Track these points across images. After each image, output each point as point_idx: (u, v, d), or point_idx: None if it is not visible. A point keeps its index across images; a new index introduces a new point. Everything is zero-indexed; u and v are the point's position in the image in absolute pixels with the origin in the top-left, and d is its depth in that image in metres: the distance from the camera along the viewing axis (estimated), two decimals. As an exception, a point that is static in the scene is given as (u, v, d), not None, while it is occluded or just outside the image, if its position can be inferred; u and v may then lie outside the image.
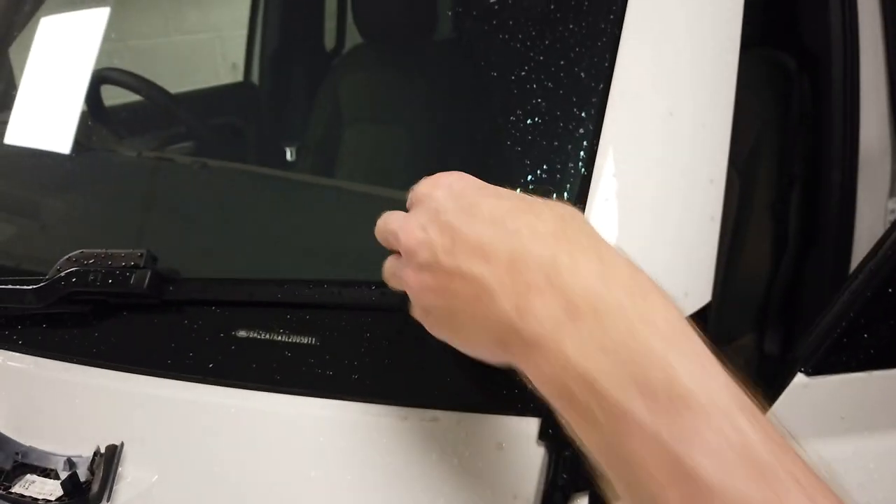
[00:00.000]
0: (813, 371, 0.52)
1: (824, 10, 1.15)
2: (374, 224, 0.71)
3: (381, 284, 0.53)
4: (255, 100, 1.58)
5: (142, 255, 0.56)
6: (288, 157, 1.19)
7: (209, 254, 0.75)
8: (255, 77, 1.59)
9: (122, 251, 0.57)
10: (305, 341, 0.54)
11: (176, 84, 1.37)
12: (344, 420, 0.51)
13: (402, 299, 0.53)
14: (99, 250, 0.57)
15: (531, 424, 0.48)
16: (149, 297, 0.56)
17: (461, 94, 0.93)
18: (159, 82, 1.19)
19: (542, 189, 0.55)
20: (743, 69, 1.41)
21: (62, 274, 0.56)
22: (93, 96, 1.10)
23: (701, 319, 0.53)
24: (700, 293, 0.53)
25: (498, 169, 0.67)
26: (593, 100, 0.57)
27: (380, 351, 0.52)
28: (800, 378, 0.52)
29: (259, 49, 1.60)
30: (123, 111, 1.24)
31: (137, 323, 0.57)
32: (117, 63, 1.20)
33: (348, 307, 0.54)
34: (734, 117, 1.27)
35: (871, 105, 1.21)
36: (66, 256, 0.57)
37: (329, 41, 1.57)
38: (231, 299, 0.56)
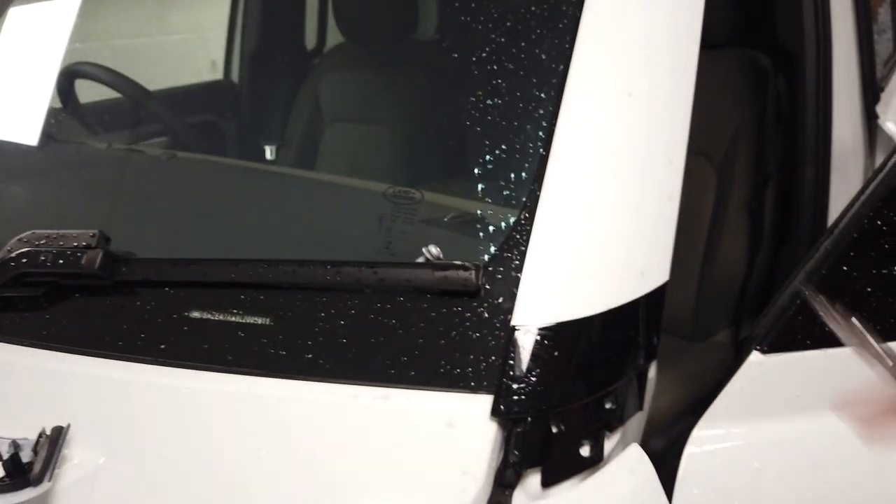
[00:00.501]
0: (767, 349, 0.51)
1: (798, 10, 1.15)
2: (348, 214, 0.71)
3: (336, 264, 0.53)
4: (235, 98, 1.57)
5: (94, 235, 0.55)
6: (268, 154, 1.19)
7: (176, 240, 0.74)
8: (234, 75, 1.59)
9: (75, 231, 0.56)
10: (259, 321, 0.53)
11: (158, 83, 1.37)
12: (296, 399, 0.50)
13: (357, 279, 0.53)
14: (51, 231, 0.57)
15: (483, 402, 0.47)
16: (100, 277, 0.55)
17: (435, 86, 0.93)
18: (141, 81, 1.18)
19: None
20: (720, 69, 1.42)
21: (13, 254, 0.55)
22: (66, 90, 1.09)
23: (657, 299, 0.52)
24: (657, 272, 0.53)
25: (460, 149, 0.67)
26: (553, 80, 0.57)
27: (333, 330, 0.52)
28: (755, 356, 0.52)
29: (239, 47, 1.60)
30: (100, 108, 1.24)
31: (89, 304, 0.56)
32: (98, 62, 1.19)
33: (302, 287, 0.53)
34: (709, 112, 1.27)
35: (844, 103, 1.22)
36: (17, 237, 0.56)
37: (310, 40, 1.56)
38: (184, 280, 0.55)
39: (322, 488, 0.48)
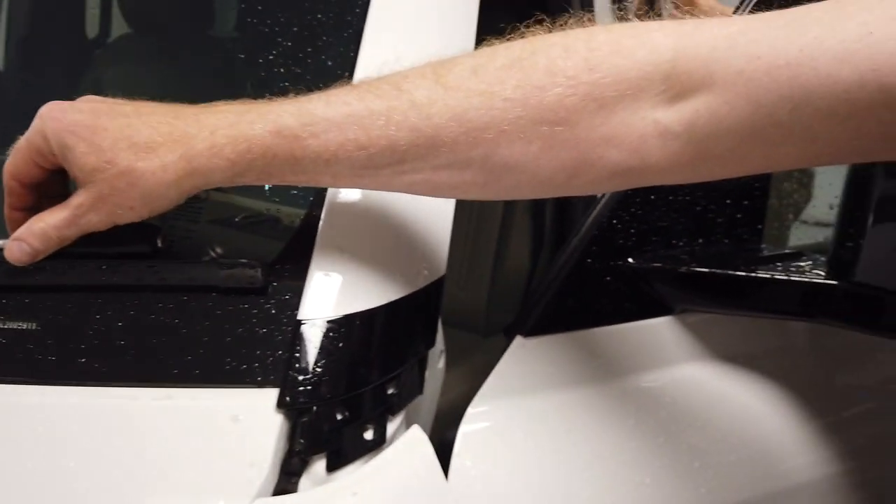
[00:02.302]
0: (528, 333, 0.59)
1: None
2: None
3: (112, 262, 0.51)
4: (2, 88, 1.41)
5: None
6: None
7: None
8: (0, 63, 1.42)
9: None
10: (24, 326, 0.50)
11: None
12: (69, 406, 0.48)
13: (136, 279, 0.52)
14: None
15: (270, 395, 0.49)
16: None
17: (229, 85, 0.92)
18: None
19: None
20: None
21: None
22: None
23: (436, 290, 0.57)
24: (435, 267, 0.58)
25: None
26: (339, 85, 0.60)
27: (109, 332, 0.50)
28: (518, 340, 0.59)
29: (5, 33, 1.44)
30: None
31: None
32: None
33: (74, 288, 0.51)
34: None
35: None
36: None
37: (91, 29, 1.45)
38: (-68, 284, 0.50)
39: (101, 495, 0.46)
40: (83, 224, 0.49)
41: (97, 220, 0.49)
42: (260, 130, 0.46)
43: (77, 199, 0.49)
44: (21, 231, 0.50)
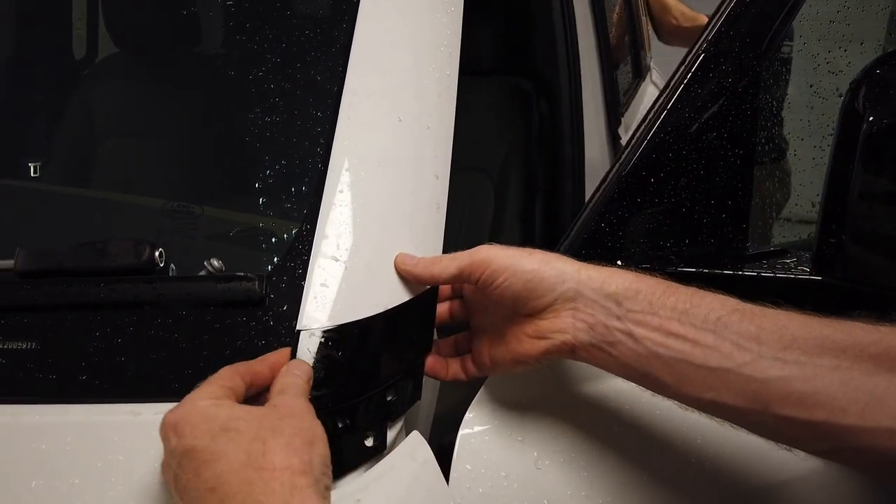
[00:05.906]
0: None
1: (552, 44, 1.31)
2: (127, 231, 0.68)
3: (110, 280, 0.52)
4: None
5: None
6: (32, 172, 1.09)
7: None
8: (-14, 84, 1.42)
9: None
10: (23, 346, 0.50)
11: None
12: (69, 423, 0.48)
13: (134, 296, 0.52)
14: None
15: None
16: None
17: (218, 102, 0.93)
18: None
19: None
20: (491, 94, 1.55)
21: None
22: None
23: (430, 298, 0.58)
24: (429, 275, 0.58)
25: (243, 164, 0.68)
26: (329, 101, 0.61)
27: (109, 349, 0.50)
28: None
29: (-9, 53, 1.43)
30: None
31: None
32: None
33: (73, 307, 0.51)
34: (484, 133, 1.38)
35: (593, 127, 1.40)
36: None
37: (79, 49, 1.46)
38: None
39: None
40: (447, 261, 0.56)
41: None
42: None
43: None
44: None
